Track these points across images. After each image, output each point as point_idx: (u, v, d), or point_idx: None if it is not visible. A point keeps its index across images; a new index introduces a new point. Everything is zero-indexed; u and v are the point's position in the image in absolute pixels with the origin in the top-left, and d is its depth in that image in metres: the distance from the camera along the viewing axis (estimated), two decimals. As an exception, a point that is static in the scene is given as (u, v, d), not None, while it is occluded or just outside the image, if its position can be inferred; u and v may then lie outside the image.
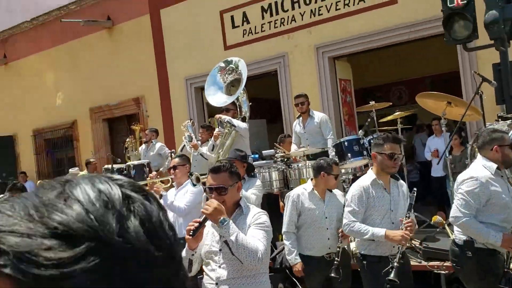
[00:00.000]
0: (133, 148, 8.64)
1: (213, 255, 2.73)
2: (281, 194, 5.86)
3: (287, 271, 4.93)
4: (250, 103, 6.36)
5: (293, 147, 6.49)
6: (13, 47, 12.91)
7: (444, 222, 5.17)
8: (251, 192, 4.44)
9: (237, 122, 6.58)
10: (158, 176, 5.95)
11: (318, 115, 6.42)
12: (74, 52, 11.54)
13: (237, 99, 6.26)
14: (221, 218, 2.54)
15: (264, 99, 10.26)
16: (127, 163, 7.52)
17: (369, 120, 5.64)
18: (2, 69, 13.33)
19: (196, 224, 2.56)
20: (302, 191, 4.25)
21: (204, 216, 2.60)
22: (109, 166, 7.69)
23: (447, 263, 4.52)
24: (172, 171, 5.02)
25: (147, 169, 7.58)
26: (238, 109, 6.40)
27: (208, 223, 2.80)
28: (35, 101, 12.30)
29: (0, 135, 13.09)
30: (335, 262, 4.02)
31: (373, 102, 6.06)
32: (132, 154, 8.64)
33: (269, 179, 5.83)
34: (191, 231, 2.55)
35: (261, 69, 8.69)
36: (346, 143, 5.40)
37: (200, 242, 2.68)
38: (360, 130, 5.54)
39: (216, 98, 6.46)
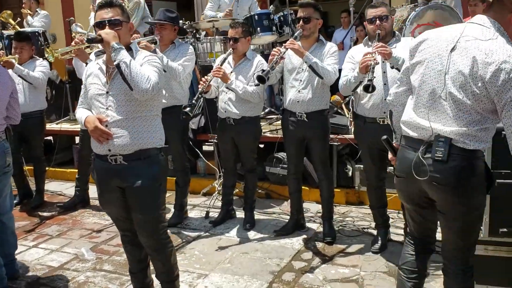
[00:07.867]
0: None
1: (100, 97, 2.56)
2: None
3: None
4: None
5: (208, 13, 5.96)
6: None
7: (342, 101, 5.43)
8: (180, 63, 4.03)
9: None
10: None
11: None
12: None
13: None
14: (116, 41, 2.42)
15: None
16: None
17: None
18: None
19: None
20: None
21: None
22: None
23: (340, 136, 4.85)
24: None
25: (42, 38, 6.98)
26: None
27: (94, 68, 2.62)
28: None
29: None
30: None
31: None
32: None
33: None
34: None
35: None
36: (256, 17, 5.30)
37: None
38: (271, 6, 5.43)
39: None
